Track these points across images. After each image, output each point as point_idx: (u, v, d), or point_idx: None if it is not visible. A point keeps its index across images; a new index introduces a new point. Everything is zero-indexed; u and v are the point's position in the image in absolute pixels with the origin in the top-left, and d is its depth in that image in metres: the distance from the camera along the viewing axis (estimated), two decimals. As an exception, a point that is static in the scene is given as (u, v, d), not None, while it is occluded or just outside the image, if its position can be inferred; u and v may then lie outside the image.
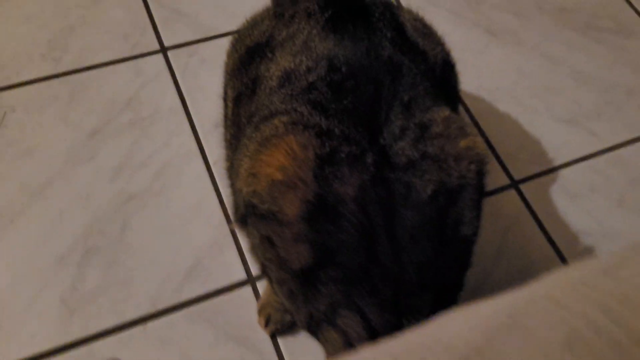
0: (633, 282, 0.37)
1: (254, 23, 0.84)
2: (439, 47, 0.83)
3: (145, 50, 1.08)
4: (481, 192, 0.71)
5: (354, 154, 0.65)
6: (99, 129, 0.99)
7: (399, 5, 0.86)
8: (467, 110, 1.08)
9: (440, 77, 0.80)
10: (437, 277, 0.68)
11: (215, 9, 1.14)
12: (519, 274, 0.95)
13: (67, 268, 0.87)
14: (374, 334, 0.65)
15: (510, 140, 1.06)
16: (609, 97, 1.11)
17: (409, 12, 0.86)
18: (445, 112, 0.71)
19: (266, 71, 0.76)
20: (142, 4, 1.13)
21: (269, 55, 0.77)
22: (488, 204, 0.95)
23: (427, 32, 0.83)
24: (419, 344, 0.38)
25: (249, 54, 0.80)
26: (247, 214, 0.71)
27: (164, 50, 1.09)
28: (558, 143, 1.07)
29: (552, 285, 0.39)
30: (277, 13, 0.82)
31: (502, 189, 1.02)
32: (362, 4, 0.80)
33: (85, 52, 1.07)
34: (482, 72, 1.12)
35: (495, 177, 1.02)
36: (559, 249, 0.98)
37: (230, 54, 0.85)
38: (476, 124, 1.07)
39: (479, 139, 0.72)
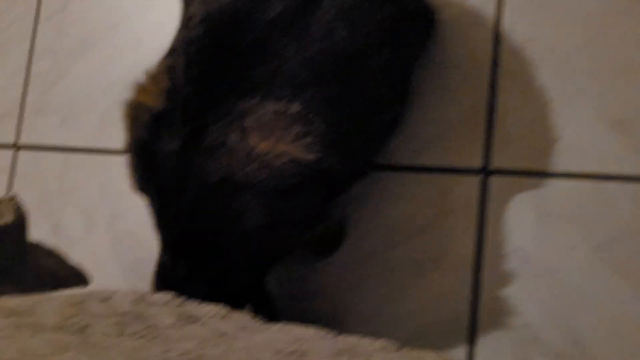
0: None
1: None
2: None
3: None
4: (277, 193, 0.70)
5: (180, 120, 0.71)
6: None
7: None
8: (496, 54, 0.88)
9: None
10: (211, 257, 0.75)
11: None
12: (414, 267, 0.87)
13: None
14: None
15: (521, 120, 0.85)
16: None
17: None
18: (284, 106, 0.68)
19: (189, 9, 0.80)
20: None
21: None
22: (438, 180, 0.86)
23: None
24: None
25: None
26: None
27: None
28: (583, 146, 0.82)
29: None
30: None
31: (467, 170, 0.87)
32: None
33: None
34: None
35: (468, 154, 0.87)
36: (480, 265, 0.84)
37: None
38: (493, 76, 0.87)
39: (286, 147, 0.68)
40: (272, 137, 0.67)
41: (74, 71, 1.16)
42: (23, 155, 1.17)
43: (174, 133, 0.71)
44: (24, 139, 1.18)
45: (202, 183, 0.70)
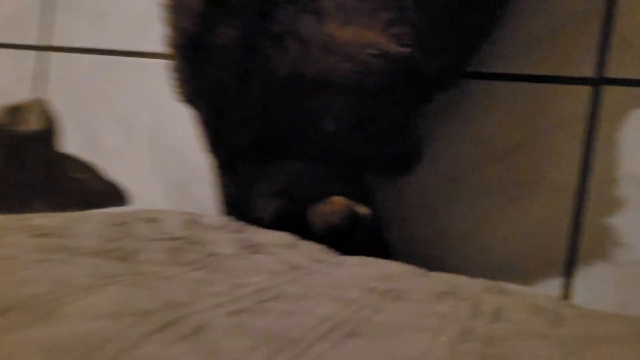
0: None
1: None
2: None
3: None
4: (361, 93, 0.57)
5: (241, 3, 0.58)
6: None
7: None
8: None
9: None
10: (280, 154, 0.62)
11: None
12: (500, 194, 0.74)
13: None
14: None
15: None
16: None
17: None
18: None
19: None
20: None
21: None
22: (540, 90, 0.72)
23: None
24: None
25: None
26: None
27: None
28: None
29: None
30: None
31: (576, 80, 0.72)
32: None
33: None
34: None
35: (577, 60, 0.72)
36: (585, 189, 0.71)
37: None
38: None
39: (373, 36, 0.54)
40: (356, 24, 0.54)
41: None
42: (52, 57, 1.05)
43: (233, 19, 0.58)
44: (53, 40, 1.06)
45: (269, 79, 0.57)
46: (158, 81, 0.94)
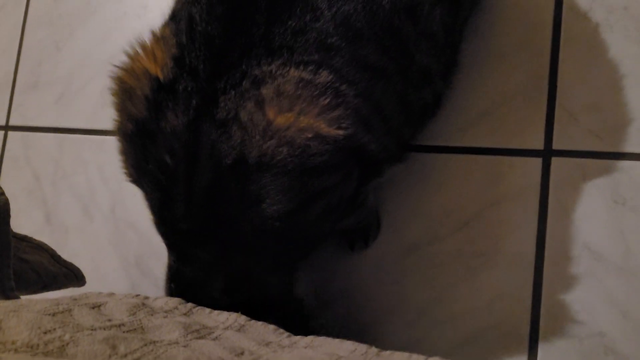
0: None
1: None
2: None
3: None
4: (301, 174, 0.57)
5: (187, 90, 0.59)
6: None
7: None
8: (558, 18, 0.74)
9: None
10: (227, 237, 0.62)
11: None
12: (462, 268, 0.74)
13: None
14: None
15: (587, 95, 0.72)
16: None
17: None
18: (310, 74, 0.55)
19: None
20: None
21: None
22: (491, 162, 0.73)
23: None
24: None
25: None
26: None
27: None
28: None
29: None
30: None
31: (526, 152, 0.74)
32: None
33: None
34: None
35: (526, 132, 0.74)
36: (542, 261, 0.72)
37: None
38: (555, 44, 0.74)
39: (311, 121, 0.55)
40: (293, 110, 0.55)
41: (72, 41, 1.04)
42: (13, 136, 1.05)
43: (181, 105, 0.58)
44: (15, 119, 1.06)
45: (216, 164, 0.58)
46: (118, 158, 0.94)
